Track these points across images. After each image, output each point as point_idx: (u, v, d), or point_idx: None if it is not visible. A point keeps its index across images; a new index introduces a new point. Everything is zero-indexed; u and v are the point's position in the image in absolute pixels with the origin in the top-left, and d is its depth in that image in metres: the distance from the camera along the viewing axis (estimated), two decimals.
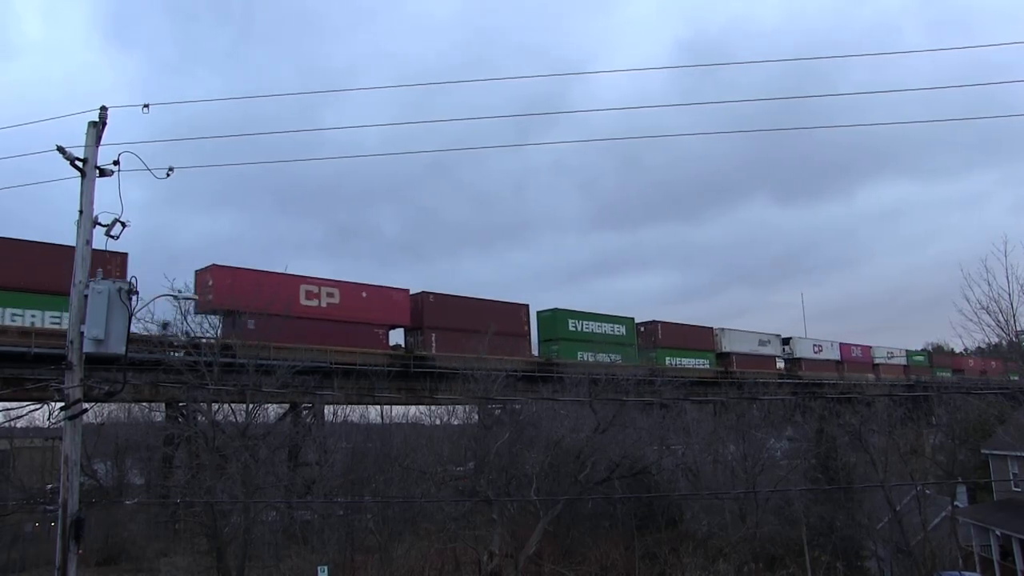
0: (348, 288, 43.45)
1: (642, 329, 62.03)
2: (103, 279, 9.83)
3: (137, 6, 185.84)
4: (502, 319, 48.37)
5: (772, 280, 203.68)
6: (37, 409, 19.10)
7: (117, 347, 9.61)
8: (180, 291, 27.62)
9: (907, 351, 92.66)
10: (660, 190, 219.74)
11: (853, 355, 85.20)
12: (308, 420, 38.90)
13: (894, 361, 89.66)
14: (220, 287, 36.46)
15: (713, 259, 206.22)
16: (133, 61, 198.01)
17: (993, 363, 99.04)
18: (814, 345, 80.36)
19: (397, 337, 47.19)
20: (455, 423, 44.48)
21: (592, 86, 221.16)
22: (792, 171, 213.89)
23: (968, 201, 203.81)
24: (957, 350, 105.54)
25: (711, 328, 69.54)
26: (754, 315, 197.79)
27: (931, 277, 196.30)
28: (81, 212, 10.15)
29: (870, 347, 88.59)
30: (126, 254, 34.64)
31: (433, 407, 47.39)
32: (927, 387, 72.15)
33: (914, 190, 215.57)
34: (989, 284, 25.98)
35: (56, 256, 28.25)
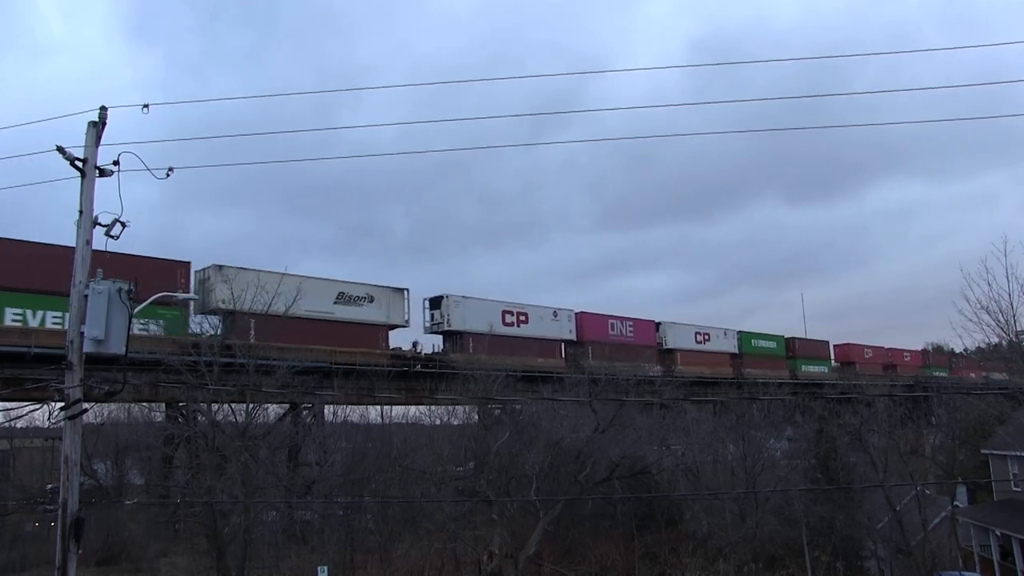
0: None
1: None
2: (103, 279, 9.84)
3: (161, 3, 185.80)
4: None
5: (781, 280, 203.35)
6: (37, 409, 19.09)
7: (117, 347, 9.61)
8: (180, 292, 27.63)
9: (739, 332, 73.66)
10: (669, 189, 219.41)
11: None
12: (308, 420, 38.90)
13: (708, 347, 69.33)
14: None
15: (722, 259, 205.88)
16: (154, 59, 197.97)
17: (905, 355, 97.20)
18: (697, 333, 68.74)
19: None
20: (455, 423, 44.52)
21: (608, 83, 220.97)
22: (803, 170, 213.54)
23: (978, 201, 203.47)
24: (957, 350, 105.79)
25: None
26: (762, 315, 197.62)
27: (939, 277, 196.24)
28: (81, 212, 10.15)
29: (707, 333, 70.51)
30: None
31: (433, 407, 47.49)
32: (927, 387, 72.55)
33: (925, 190, 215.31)
34: (989, 284, 25.96)
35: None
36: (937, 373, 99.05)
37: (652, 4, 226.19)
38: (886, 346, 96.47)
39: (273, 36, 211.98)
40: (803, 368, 78.23)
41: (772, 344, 77.68)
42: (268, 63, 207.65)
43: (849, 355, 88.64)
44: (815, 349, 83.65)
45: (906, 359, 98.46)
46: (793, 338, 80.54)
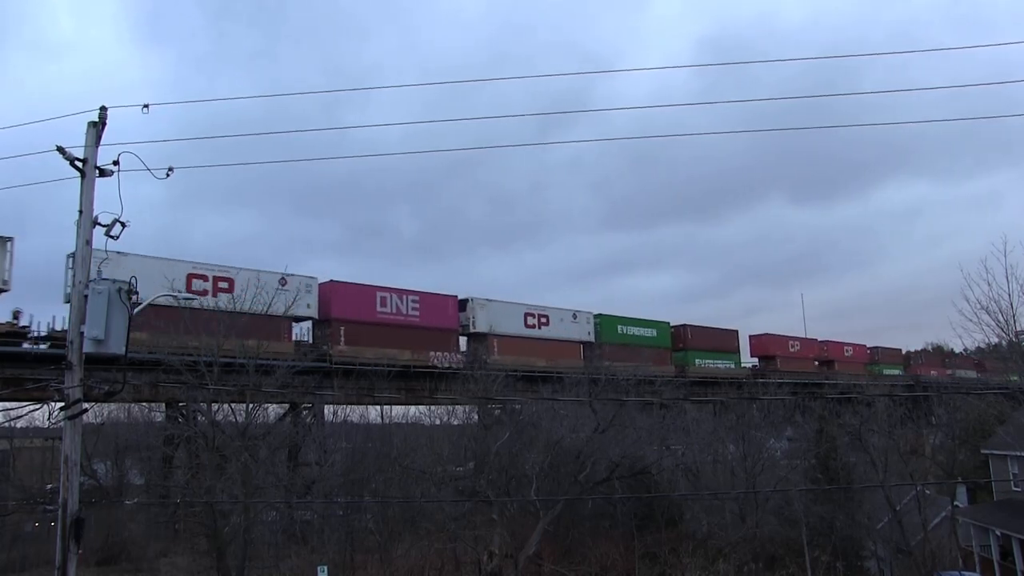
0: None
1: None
2: (103, 279, 9.83)
3: (170, 2, 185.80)
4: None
5: (786, 279, 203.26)
6: (37, 409, 19.09)
7: (117, 347, 9.61)
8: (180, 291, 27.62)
9: (596, 315, 61.12)
10: (675, 189, 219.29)
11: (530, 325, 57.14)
12: (308, 420, 38.90)
13: (544, 333, 56.10)
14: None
15: (727, 259, 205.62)
16: (164, 58, 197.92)
17: (846, 349, 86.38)
18: (528, 314, 55.84)
19: None
20: (455, 423, 44.53)
21: (615, 83, 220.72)
22: (808, 170, 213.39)
23: (983, 201, 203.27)
24: (957, 350, 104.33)
25: (451, 297, 50.93)
26: (767, 315, 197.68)
27: (942, 277, 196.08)
28: (81, 212, 10.15)
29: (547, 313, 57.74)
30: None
31: (433, 407, 47.58)
32: (927, 387, 71.59)
33: (931, 190, 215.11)
34: (989, 284, 25.92)
35: None
36: (888, 371, 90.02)
37: (661, 3, 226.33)
38: (820, 338, 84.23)
39: (282, 35, 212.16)
40: (696, 363, 65.35)
41: (649, 332, 64.14)
42: (277, 62, 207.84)
43: (767, 348, 76.21)
44: (717, 340, 69.71)
45: (847, 354, 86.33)
46: (684, 326, 67.20)
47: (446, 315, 49.73)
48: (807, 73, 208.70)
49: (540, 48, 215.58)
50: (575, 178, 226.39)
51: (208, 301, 34.02)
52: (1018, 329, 26.48)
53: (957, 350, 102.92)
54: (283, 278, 43.76)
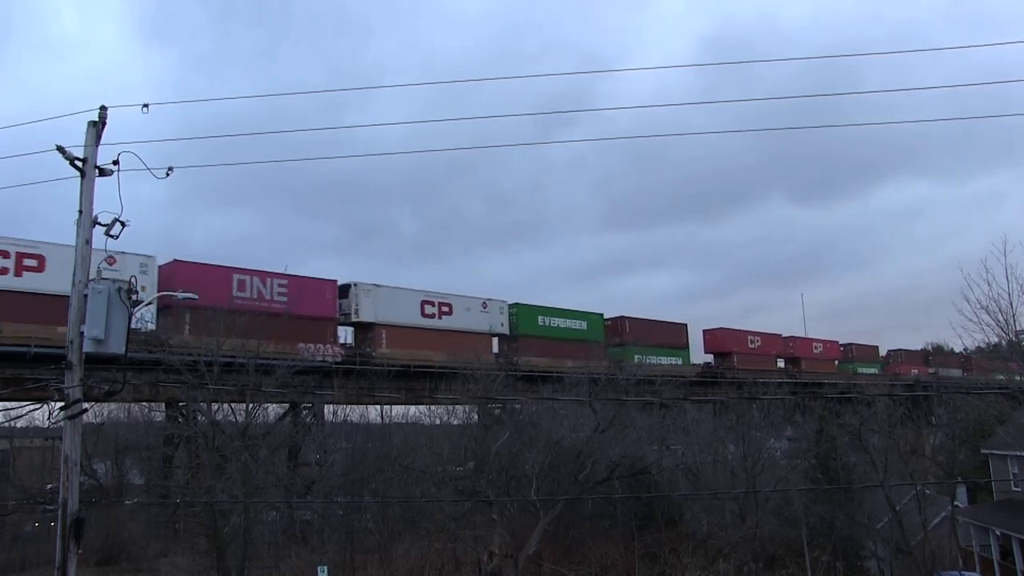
0: None
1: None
2: (103, 279, 9.84)
3: (174, 2, 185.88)
4: None
5: (786, 279, 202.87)
6: (37, 409, 19.07)
7: (117, 347, 9.61)
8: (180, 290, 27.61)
9: (512, 304, 54.16)
10: (675, 189, 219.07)
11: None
12: (308, 420, 38.92)
13: (446, 324, 48.59)
14: None
15: (727, 258, 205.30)
16: (167, 58, 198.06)
17: (815, 346, 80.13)
18: (425, 302, 48.54)
19: None
20: (455, 423, 44.53)
21: (617, 82, 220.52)
22: (809, 169, 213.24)
23: (985, 201, 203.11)
24: (957, 350, 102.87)
25: (330, 281, 44.28)
26: (768, 315, 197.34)
27: (944, 277, 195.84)
28: (81, 212, 10.16)
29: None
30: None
31: (433, 407, 47.53)
32: (927, 387, 70.72)
33: (933, 190, 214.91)
34: (989, 284, 25.94)
35: None
36: (862, 370, 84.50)
37: (663, 3, 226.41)
38: (784, 334, 77.51)
39: (285, 35, 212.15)
40: (636, 359, 57.31)
41: (578, 324, 57.58)
42: (279, 62, 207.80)
43: (723, 344, 69.66)
44: (661, 334, 62.81)
45: (816, 351, 79.99)
46: (621, 318, 60.70)
47: (322, 302, 42.61)
48: (808, 73, 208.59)
49: (541, 47, 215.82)
50: (576, 178, 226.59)
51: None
52: (1018, 329, 26.51)
53: (957, 350, 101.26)
54: (484, 302, 47.78)
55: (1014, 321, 25.90)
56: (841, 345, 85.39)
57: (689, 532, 33.17)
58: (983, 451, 35.57)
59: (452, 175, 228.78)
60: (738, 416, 35.34)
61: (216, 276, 38.09)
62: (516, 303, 53.98)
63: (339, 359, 41.72)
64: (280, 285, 40.73)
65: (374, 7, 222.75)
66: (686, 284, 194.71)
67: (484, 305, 51.48)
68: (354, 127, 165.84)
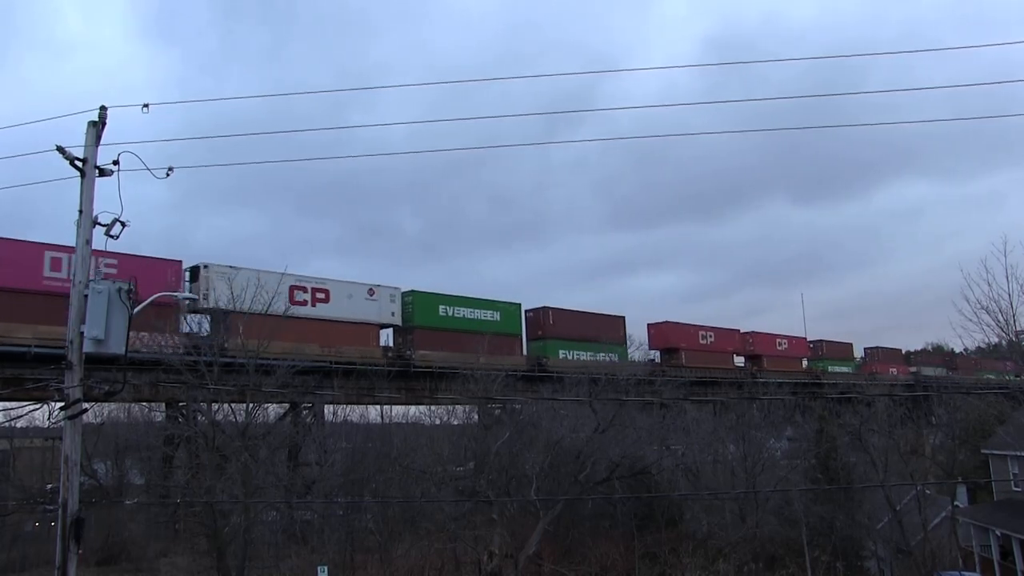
0: None
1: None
2: (103, 279, 9.84)
3: (178, 1, 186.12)
4: None
5: (788, 280, 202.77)
6: (37, 409, 19.06)
7: (117, 347, 9.61)
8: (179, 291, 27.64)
9: (407, 292, 48.10)
10: (678, 188, 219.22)
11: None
12: (308, 420, 38.91)
13: (323, 314, 42.37)
14: None
15: (730, 258, 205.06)
16: (172, 57, 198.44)
17: (780, 343, 74.57)
18: (296, 287, 41.34)
19: None
20: (455, 423, 44.51)
21: (621, 82, 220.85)
22: (812, 169, 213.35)
23: (986, 201, 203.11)
24: (957, 350, 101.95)
25: (174, 262, 36.96)
26: (769, 315, 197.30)
27: (945, 277, 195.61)
28: (81, 212, 10.16)
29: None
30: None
31: (433, 407, 47.50)
32: (927, 387, 70.37)
33: (935, 190, 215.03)
34: (989, 284, 25.96)
35: None
36: (834, 369, 79.45)
37: (667, 3, 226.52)
38: (743, 329, 71.48)
39: (289, 35, 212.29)
40: (560, 354, 52.74)
41: (490, 315, 50.89)
42: (284, 62, 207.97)
43: (669, 339, 63.52)
44: (592, 328, 55.32)
45: (780, 348, 73.68)
46: (544, 308, 54.23)
47: (163, 286, 33.14)
48: (812, 73, 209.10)
49: (545, 48, 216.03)
50: (578, 178, 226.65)
51: None
52: (1018, 329, 26.53)
53: (958, 350, 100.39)
54: (371, 289, 43.98)
55: (1014, 321, 25.94)
56: (810, 342, 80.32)
57: (689, 532, 33.18)
58: (983, 451, 35.58)
59: (455, 175, 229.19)
60: (738, 416, 35.35)
61: (22, 252, 32.09)
62: (412, 290, 48.19)
63: (178, 349, 31.98)
64: (107, 265, 31.30)
65: (378, 7, 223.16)
66: (689, 284, 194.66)
67: (371, 292, 45.51)
68: (357, 127, 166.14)
